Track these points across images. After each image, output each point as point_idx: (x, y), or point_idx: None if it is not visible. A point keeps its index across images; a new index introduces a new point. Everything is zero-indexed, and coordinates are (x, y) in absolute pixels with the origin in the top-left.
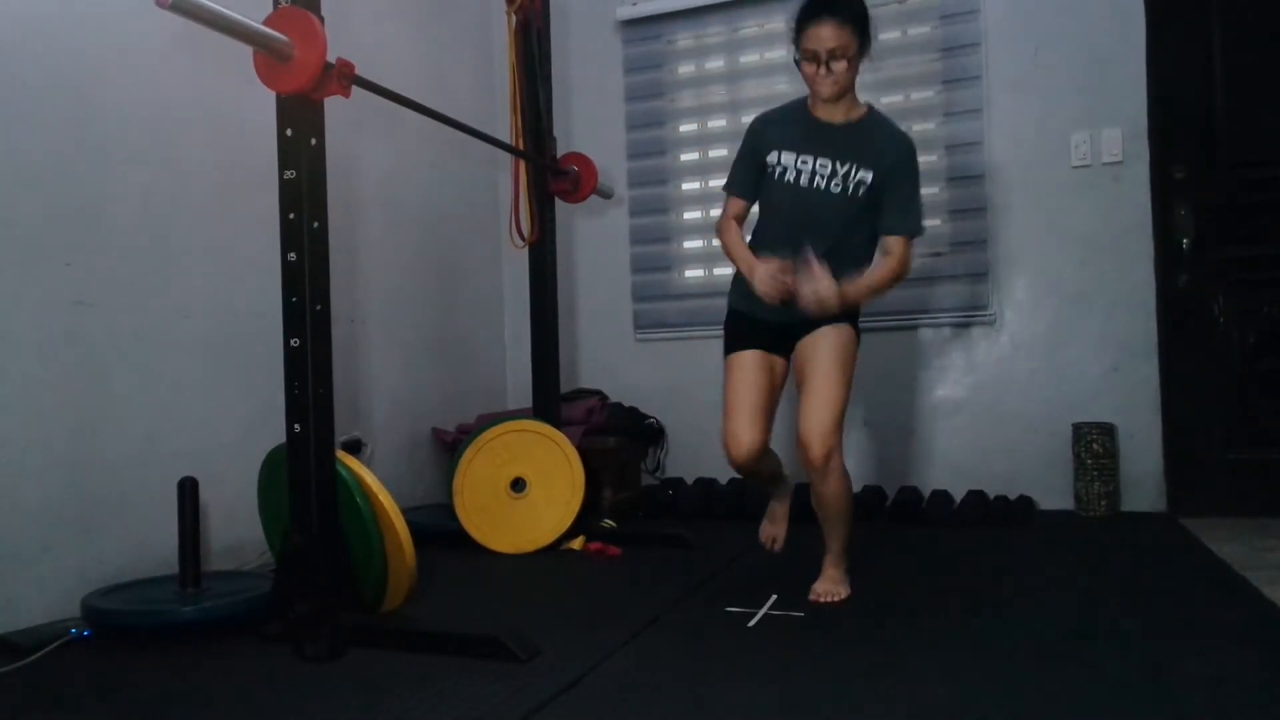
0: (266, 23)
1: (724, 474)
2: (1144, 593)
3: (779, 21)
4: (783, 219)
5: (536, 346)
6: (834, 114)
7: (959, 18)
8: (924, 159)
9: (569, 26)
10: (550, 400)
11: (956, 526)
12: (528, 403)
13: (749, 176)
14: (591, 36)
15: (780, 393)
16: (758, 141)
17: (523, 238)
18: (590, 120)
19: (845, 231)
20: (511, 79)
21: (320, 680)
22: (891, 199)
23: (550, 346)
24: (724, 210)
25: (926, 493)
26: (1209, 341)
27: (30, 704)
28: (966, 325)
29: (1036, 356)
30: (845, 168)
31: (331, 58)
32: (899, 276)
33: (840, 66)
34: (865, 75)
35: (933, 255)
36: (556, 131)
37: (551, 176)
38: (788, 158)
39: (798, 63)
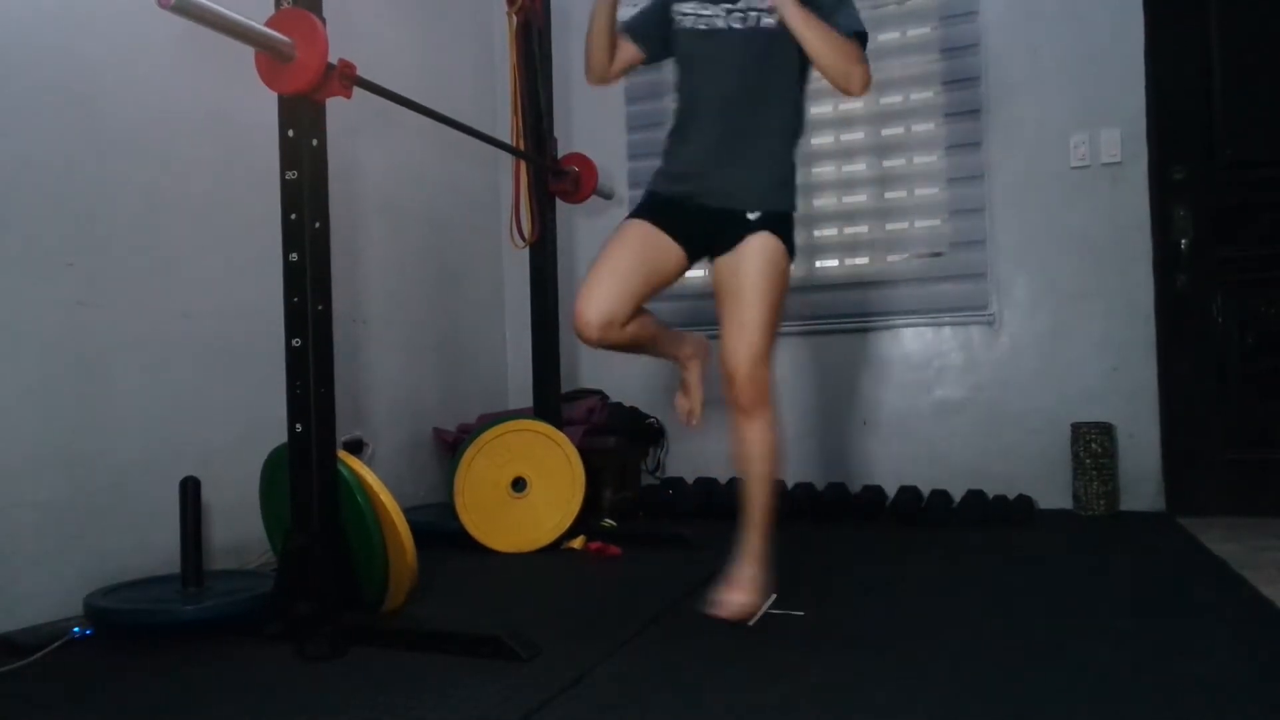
0: (268, 24)
1: (724, 473)
2: (1142, 592)
3: None
4: (688, 72)
5: (537, 346)
6: None
7: (958, 19)
8: (924, 159)
9: (570, 27)
10: (551, 400)
11: (956, 526)
12: (528, 402)
13: (647, 21)
14: None
15: (663, 282)
16: None
17: (523, 238)
18: (591, 121)
19: (761, 70)
20: (512, 79)
21: (321, 679)
22: (820, 11)
23: (551, 346)
24: None
25: (926, 493)
26: (1207, 341)
27: (31, 703)
28: (966, 325)
29: (1036, 356)
30: (743, 1)
31: (333, 58)
32: (844, 52)
33: None
34: None
35: (932, 255)
36: (557, 132)
37: (552, 177)
38: (689, 6)
39: None
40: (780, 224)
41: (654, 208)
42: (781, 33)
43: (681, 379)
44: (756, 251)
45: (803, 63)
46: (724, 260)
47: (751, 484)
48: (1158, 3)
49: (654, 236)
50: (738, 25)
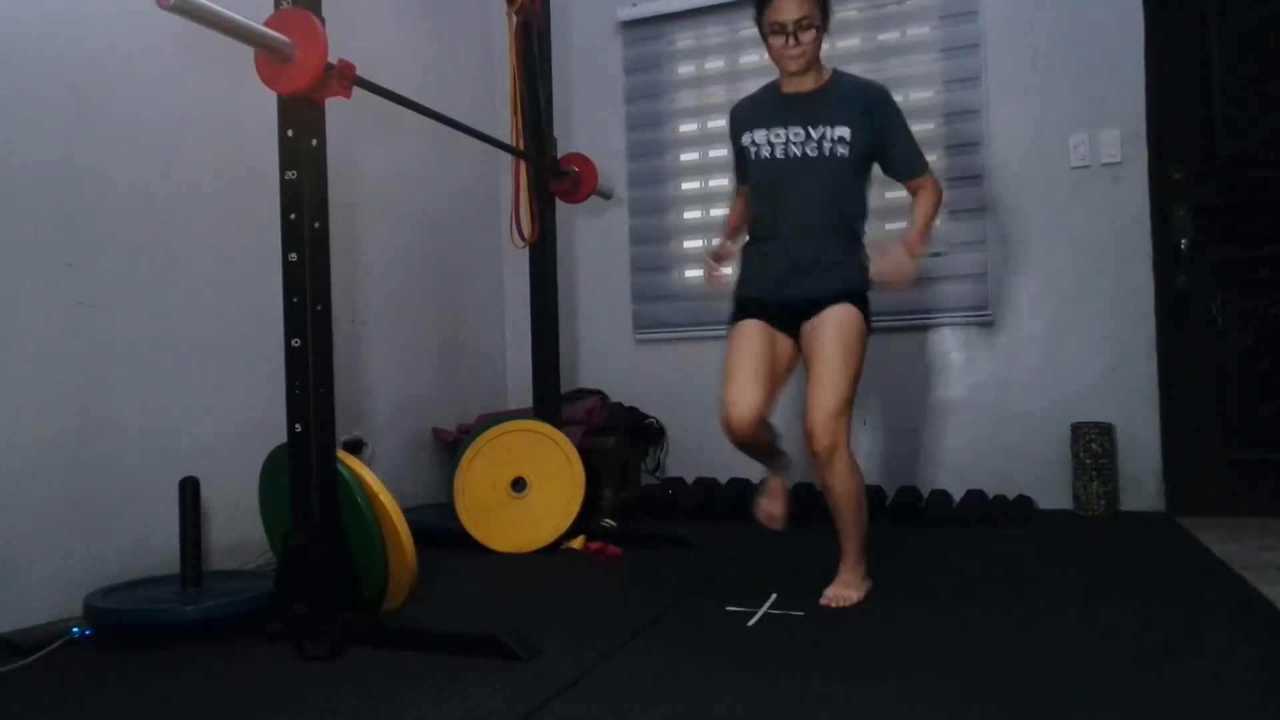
0: (268, 24)
1: (724, 473)
2: (1142, 592)
3: None
4: (765, 195)
5: (537, 346)
6: (803, 85)
7: (959, 19)
8: None
9: (569, 27)
10: (550, 400)
11: (956, 526)
12: (528, 403)
13: (741, 167)
14: (592, 37)
15: (786, 372)
16: (734, 129)
17: (523, 238)
18: (590, 120)
19: (833, 193)
20: (512, 79)
21: (321, 680)
22: (892, 146)
23: (550, 346)
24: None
25: (926, 492)
26: (1207, 341)
27: (31, 703)
28: (966, 325)
29: (1035, 357)
30: (819, 131)
31: (332, 58)
32: (939, 202)
33: (808, 37)
34: (866, 75)
35: (932, 255)
36: (557, 132)
37: (552, 177)
38: (760, 135)
39: (765, 39)
40: (856, 298)
41: (754, 308)
42: (851, 158)
43: (770, 485)
44: (834, 319)
45: (866, 172)
46: (808, 325)
47: (838, 521)
48: (1158, 3)
49: (767, 332)
50: (812, 154)
